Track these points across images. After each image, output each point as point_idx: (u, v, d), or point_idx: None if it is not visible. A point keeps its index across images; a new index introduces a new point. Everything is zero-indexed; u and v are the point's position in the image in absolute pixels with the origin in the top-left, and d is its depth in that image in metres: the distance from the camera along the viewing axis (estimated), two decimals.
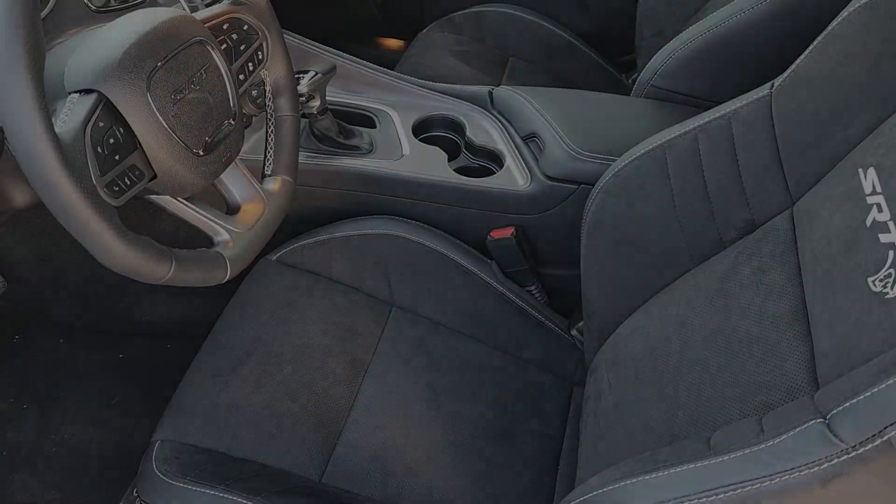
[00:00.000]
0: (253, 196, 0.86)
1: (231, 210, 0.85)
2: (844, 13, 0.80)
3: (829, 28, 0.82)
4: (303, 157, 1.15)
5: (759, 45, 1.14)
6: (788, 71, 0.86)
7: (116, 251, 0.64)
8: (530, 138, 1.17)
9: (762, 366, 0.72)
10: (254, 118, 1.17)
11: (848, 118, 0.78)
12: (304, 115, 1.15)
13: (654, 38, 1.60)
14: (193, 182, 0.74)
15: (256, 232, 0.83)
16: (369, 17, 1.94)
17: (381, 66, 1.31)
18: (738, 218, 0.88)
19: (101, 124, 0.65)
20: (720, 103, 1.23)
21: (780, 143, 0.84)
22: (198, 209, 0.78)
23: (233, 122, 0.79)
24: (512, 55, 1.69)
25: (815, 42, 0.83)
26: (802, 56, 0.84)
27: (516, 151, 1.18)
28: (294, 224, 1.19)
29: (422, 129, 1.26)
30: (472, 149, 1.22)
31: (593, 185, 1.04)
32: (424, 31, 1.73)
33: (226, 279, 0.77)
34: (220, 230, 0.79)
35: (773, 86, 0.88)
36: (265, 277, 1.09)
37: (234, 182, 0.85)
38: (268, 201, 0.87)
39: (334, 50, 1.28)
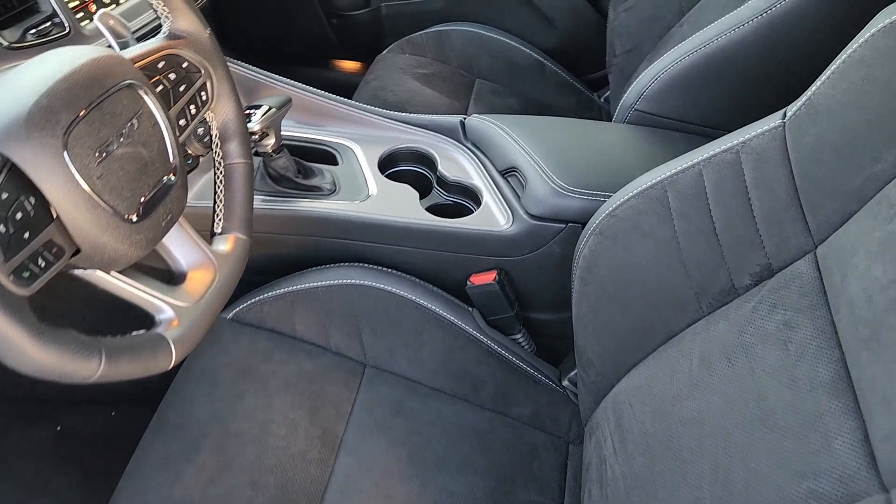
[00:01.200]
0: (201, 261, 0.74)
1: (175, 279, 0.72)
2: (865, 35, 0.71)
3: (848, 52, 0.73)
4: (258, 200, 1.03)
5: (750, 65, 1.06)
6: (803, 99, 0.77)
7: (29, 354, 0.52)
8: (510, 173, 1.07)
9: (803, 444, 0.62)
10: (201, 158, 1.05)
11: (877, 151, 0.69)
12: (257, 154, 1.04)
13: (627, 56, 1.52)
14: (127, 254, 0.62)
15: (206, 304, 0.71)
16: (324, 38, 1.83)
17: (337, 91, 1.20)
18: (752, 262, 0.79)
19: (5, 196, 0.53)
20: (711, 128, 1.16)
21: (797, 180, 0.75)
22: (134, 283, 0.66)
23: (173, 178, 0.67)
24: (478, 77, 1.60)
25: (832, 67, 0.74)
26: (818, 83, 0.75)
27: (494, 187, 1.08)
28: (251, 275, 1.07)
29: (389, 164, 1.15)
30: (446, 185, 1.11)
31: (582, 224, 0.95)
32: (384, 52, 1.63)
33: (171, 366, 0.65)
34: (162, 306, 0.67)
35: (785, 115, 0.79)
36: (220, 340, 0.96)
37: (177, 246, 0.72)
38: (219, 265, 0.74)
39: (289, 80, 1.16)
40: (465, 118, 1.15)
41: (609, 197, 0.96)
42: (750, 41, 1.04)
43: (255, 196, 1.04)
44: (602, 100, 1.68)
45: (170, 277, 0.73)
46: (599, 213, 0.90)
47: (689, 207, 0.83)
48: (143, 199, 0.63)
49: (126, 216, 0.61)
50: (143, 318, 0.68)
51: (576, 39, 1.71)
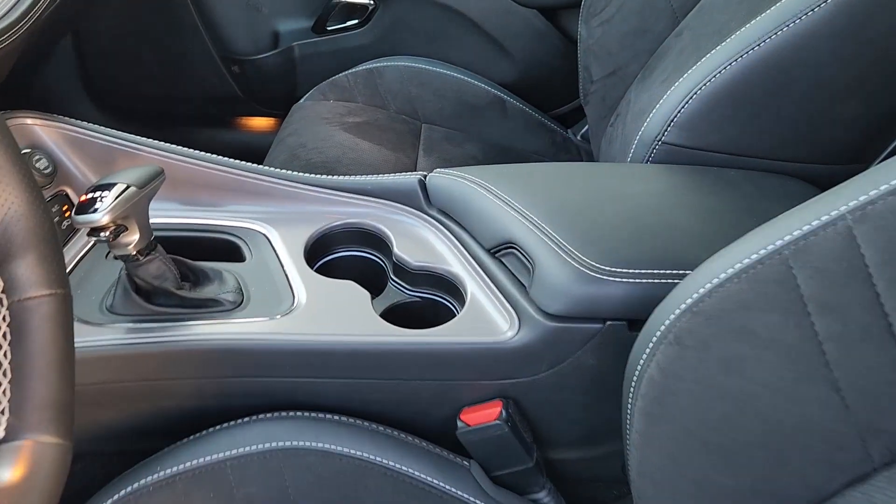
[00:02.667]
0: None
1: None
2: None
3: None
4: (119, 332, 0.66)
5: (823, 65, 0.75)
6: None
7: None
8: (504, 250, 0.72)
9: None
10: None
11: None
12: (117, 258, 0.67)
13: (609, 80, 1.20)
14: None
15: None
16: (224, 90, 1.47)
17: (247, 157, 0.84)
18: None
19: None
20: (776, 160, 0.84)
21: None
22: None
23: None
24: (424, 121, 1.26)
25: None
26: None
27: (483, 275, 0.72)
28: (121, 444, 0.69)
29: (320, 253, 0.79)
30: (407, 274, 0.76)
31: (628, 322, 0.62)
32: (302, 100, 1.27)
33: None
34: None
35: None
36: None
37: None
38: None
39: (162, 143, 0.80)
40: (424, 176, 0.80)
41: (677, 277, 0.62)
42: (824, 33, 0.73)
43: (116, 324, 0.67)
44: (579, 137, 1.36)
45: None
46: (670, 306, 0.56)
47: (839, 292, 0.49)
48: None
49: None
50: None
51: (538, 68, 1.40)
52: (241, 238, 0.78)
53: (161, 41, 1.42)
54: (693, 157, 0.81)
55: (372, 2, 1.34)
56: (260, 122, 1.53)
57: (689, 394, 0.56)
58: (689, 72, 0.80)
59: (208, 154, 0.79)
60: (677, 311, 0.55)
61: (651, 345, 0.57)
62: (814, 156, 0.81)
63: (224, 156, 0.82)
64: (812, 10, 0.72)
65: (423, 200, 0.79)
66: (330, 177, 0.80)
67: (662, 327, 0.56)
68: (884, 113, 0.78)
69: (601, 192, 0.74)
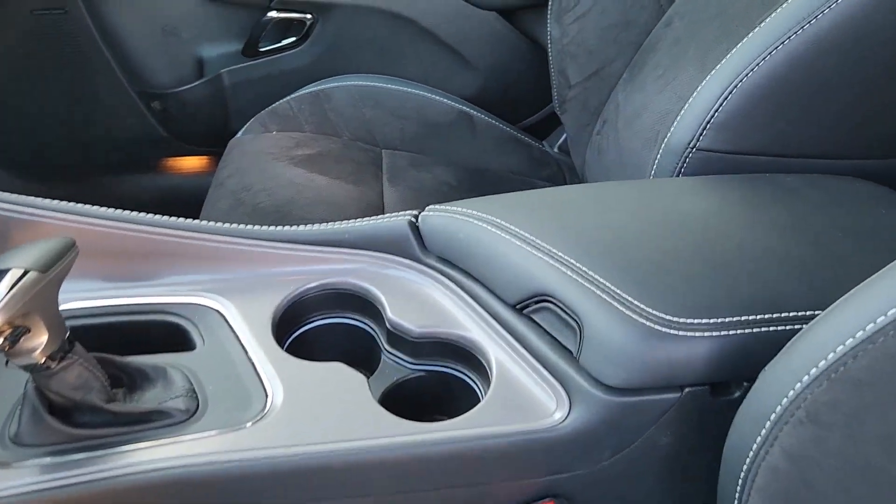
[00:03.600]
0: None
1: None
2: None
3: None
4: (30, 472, 0.48)
5: (862, 55, 0.62)
6: None
7: None
8: (535, 305, 0.56)
9: None
10: None
11: None
12: (24, 369, 0.49)
13: (592, 81, 1.07)
14: None
15: None
16: (144, 130, 1.27)
17: (176, 206, 0.67)
18: None
19: None
20: (829, 158, 0.70)
21: None
22: None
23: None
24: (384, 147, 1.10)
25: None
26: None
27: (507, 338, 0.56)
28: None
29: (292, 325, 0.62)
30: (406, 344, 0.59)
31: (710, 387, 0.49)
32: (239, 134, 1.10)
33: None
34: None
35: None
36: None
37: None
38: None
39: (72, 206, 0.61)
40: (416, 216, 0.64)
41: (781, 324, 0.48)
42: (885, 3, 0.60)
43: (25, 461, 0.50)
44: (556, 150, 1.22)
45: None
46: (791, 370, 0.42)
47: None
48: None
49: None
50: None
51: (503, 76, 1.26)
52: (186, 318, 0.60)
53: (66, 80, 1.22)
54: (735, 164, 0.67)
55: (309, 16, 1.18)
56: (192, 163, 1.34)
57: (836, 484, 0.41)
58: (720, 65, 0.66)
59: (133, 213, 0.61)
60: (806, 379, 0.41)
61: (769, 424, 0.42)
62: (871, 150, 0.68)
63: (153, 207, 0.65)
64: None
65: (417, 247, 0.63)
66: (293, 228, 0.63)
67: (785, 400, 0.41)
68: None
69: (645, 219, 0.59)
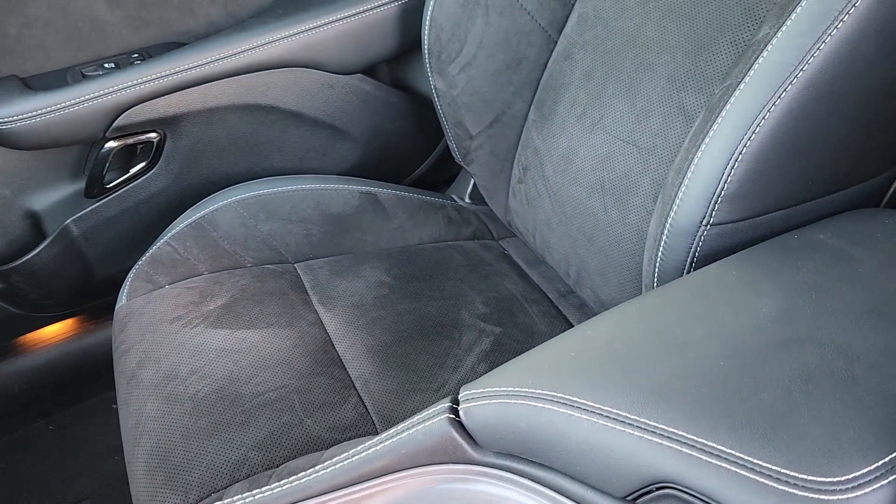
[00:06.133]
0: None
1: None
2: None
3: None
4: None
5: (857, 82, 0.58)
6: None
7: None
8: (649, 493, 0.47)
9: None
10: None
11: None
12: None
13: (495, 128, 0.99)
14: None
15: None
16: None
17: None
18: None
19: None
20: (823, 197, 0.66)
21: None
22: None
23: None
24: (297, 261, 0.96)
25: None
26: None
27: None
28: None
29: None
30: None
31: None
32: (124, 299, 0.91)
33: None
34: None
35: None
36: None
37: None
38: None
39: None
40: (454, 407, 0.53)
41: None
42: (870, 30, 0.56)
43: None
44: (468, 200, 1.13)
45: None
46: None
47: None
48: None
49: None
50: None
51: (382, 137, 1.15)
52: None
53: None
54: (752, 228, 0.61)
55: (155, 134, 1.00)
56: (58, 330, 1.13)
57: None
58: (715, 129, 0.59)
59: None
60: None
61: None
62: (870, 169, 0.65)
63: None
64: (854, 5, 0.54)
65: (468, 448, 0.52)
66: (317, 474, 0.51)
67: None
68: None
69: (725, 346, 0.51)
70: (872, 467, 0.42)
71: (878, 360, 0.47)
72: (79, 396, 1.15)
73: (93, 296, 1.09)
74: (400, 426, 0.53)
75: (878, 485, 0.42)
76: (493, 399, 0.52)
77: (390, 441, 0.52)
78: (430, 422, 0.52)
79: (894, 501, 0.43)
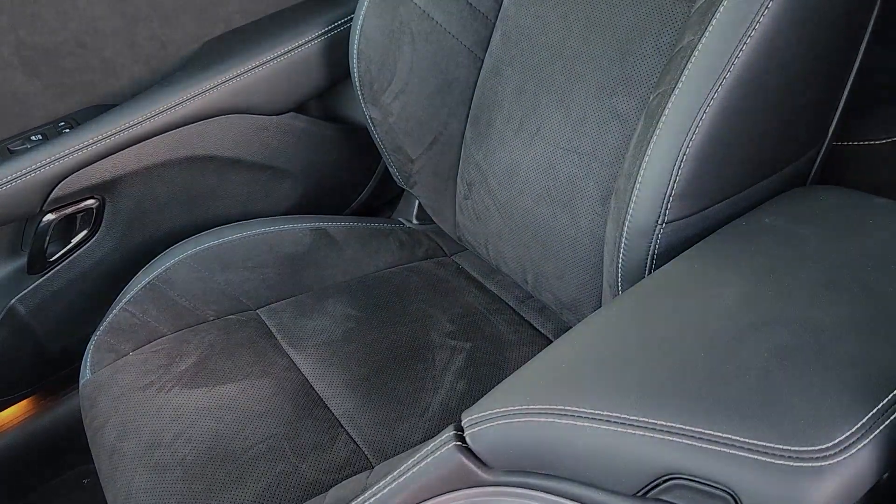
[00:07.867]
0: None
1: None
2: None
3: None
4: None
5: (779, 74, 0.63)
6: None
7: None
8: (659, 486, 0.50)
9: None
10: None
11: None
12: None
13: (435, 149, 1.01)
14: None
15: None
16: None
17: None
18: None
19: None
20: (763, 181, 0.71)
21: None
22: None
23: None
24: (258, 307, 0.96)
25: None
26: None
27: None
28: None
29: None
30: None
31: None
32: (88, 373, 0.89)
33: None
34: None
35: None
36: None
37: None
38: None
39: None
40: (460, 434, 0.55)
41: None
42: (785, 23, 0.60)
43: None
44: (415, 222, 1.15)
45: None
46: None
47: None
48: None
49: None
50: None
51: (321, 170, 1.16)
52: None
53: None
54: (703, 220, 0.65)
55: (93, 200, 0.98)
56: (13, 414, 1.09)
57: None
58: (657, 135, 0.63)
59: None
60: None
61: None
62: (797, 151, 0.70)
63: None
64: (766, 6, 0.59)
65: (479, 471, 0.54)
66: None
67: None
68: (841, 80, 0.69)
69: (699, 336, 0.54)
70: (854, 429, 0.47)
71: (840, 329, 0.52)
72: (51, 474, 1.12)
73: (49, 371, 1.06)
74: (410, 462, 0.55)
75: (861, 444, 0.46)
76: (496, 421, 0.54)
77: (403, 478, 0.54)
78: (439, 452, 0.54)
79: (879, 456, 0.47)
